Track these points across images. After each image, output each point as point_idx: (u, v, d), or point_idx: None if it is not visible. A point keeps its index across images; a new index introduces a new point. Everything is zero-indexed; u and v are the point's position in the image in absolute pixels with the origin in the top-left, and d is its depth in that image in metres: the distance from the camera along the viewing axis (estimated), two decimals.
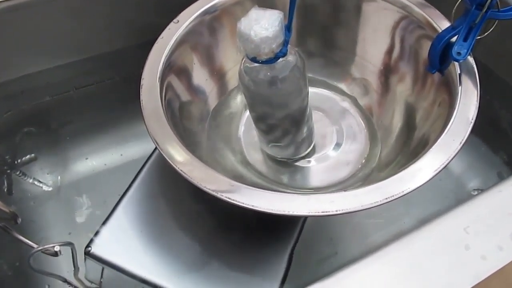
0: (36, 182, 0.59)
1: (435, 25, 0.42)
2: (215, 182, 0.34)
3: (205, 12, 0.46)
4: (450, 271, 0.32)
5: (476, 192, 0.58)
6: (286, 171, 0.49)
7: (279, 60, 0.35)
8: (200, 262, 0.41)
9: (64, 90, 0.60)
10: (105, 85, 0.61)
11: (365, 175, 0.46)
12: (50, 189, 0.58)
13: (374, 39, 0.49)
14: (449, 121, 0.36)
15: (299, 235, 0.43)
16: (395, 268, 0.32)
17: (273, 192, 0.33)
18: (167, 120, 0.38)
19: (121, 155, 0.61)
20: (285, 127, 0.44)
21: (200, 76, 0.48)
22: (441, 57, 0.39)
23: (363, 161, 0.48)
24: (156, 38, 0.44)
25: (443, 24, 0.42)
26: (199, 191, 0.34)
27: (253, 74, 0.36)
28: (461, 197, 0.58)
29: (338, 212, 0.31)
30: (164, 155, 0.36)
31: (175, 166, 0.35)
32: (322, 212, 0.32)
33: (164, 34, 0.44)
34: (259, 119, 0.44)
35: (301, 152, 0.48)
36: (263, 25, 0.31)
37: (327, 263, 0.51)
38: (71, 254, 0.38)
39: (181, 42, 0.44)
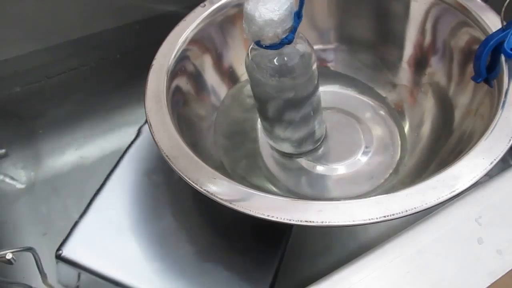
0: (8, 179, 0.56)
1: (471, 10, 0.39)
2: (200, 173, 0.32)
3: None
4: (462, 269, 0.29)
5: None
6: (300, 177, 0.46)
7: (286, 47, 0.34)
8: (183, 262, 0.40)
9: (35, 79, 0.58)
10: (79, 73, 0.59)
11: (387, 189, 0.42)
12: (23, 186, 0.56)
13: (403, 28, 0.46)
14: (491, 123, 0.32)
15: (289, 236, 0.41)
16: (398, 267, 0.29)
17: (253, 191, 0.31)
18: (167, 105, 0.37)
19: (100, 148, 0.58)
20: (293, 119, 0.42)
21: (216, 76, 0.46)
22: (488, 64, 0.36)
23: (390, 173, 0.44)
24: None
25: (481, 11, 0.39)
26: (180, 183, 0.32)
27: (259, 60, 0.36)
28: None
29: (325, 224, 0.28)
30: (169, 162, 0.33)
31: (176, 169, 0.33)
32: (306, 221, 0.29)
33: (188, 17, 0.43)
34: (264, 111, 0.42)
35: (309, 147, 0.46)
36: (269, 7, 0.31)
37: (321, 258, 0.48)
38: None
39: (204, 28, 0.43)
